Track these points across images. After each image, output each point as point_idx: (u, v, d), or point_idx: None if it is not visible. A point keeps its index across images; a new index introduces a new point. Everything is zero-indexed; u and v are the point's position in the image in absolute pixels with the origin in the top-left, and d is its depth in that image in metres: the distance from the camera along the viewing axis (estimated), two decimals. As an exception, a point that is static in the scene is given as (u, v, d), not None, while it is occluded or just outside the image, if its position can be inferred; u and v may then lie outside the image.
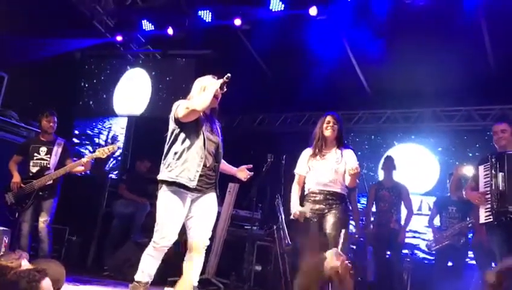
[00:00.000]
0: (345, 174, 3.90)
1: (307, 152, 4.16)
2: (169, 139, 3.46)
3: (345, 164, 3.93)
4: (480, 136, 7.17)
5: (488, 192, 3.85)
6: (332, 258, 1.45)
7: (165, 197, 3.36)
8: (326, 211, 3.87)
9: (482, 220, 3.89)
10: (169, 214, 3.34)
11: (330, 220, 3.84)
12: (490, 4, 5.88)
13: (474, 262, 5.60)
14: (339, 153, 4.00)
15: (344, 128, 8.78)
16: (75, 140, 8.42)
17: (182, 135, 3.40)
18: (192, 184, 3.33)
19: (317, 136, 4.09)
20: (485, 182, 3.90)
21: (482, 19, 6.17)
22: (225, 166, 3.78)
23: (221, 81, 3.38)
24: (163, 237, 3.31)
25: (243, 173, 3.80)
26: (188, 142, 3.37)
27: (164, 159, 3.45)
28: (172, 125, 3.46)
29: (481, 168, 3.98)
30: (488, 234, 3.95)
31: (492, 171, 3.85)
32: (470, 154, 7.14)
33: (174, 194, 3.33)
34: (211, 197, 3.49)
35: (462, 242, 5.47)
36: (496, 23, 6.18)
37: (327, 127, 4.04)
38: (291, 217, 4.02)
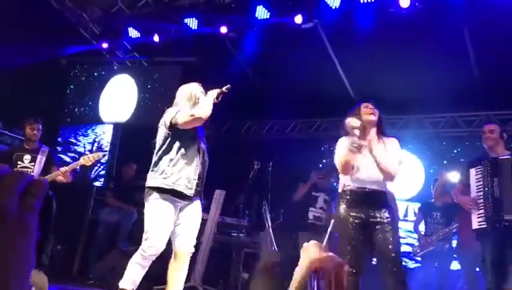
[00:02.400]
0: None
1: (345, 142, 3.51)
2: (162, 145, 3.42)
3: None
4: (463, 142, 7.27)
5: (481, 197, 3.81)
6: (314, 250, 1.42)
7: (156, 205, 3.33)
8: (373, 218, 3.29)
9: (474, 225, 3.85)
10: (160, 223, 3.31)
11: (381, 231, 3.26)
12: (473, 13, 5.98)
13: (459, 267, 5.65)
14: (381, 143, 3.43)
15: (331, 135, 8.86)
16: (60, 148, 8.34)
17: (178, 142, 3.37)
18: (190, 192, 3.34)
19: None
20: (477, 186, 3.86)
21: (464, 27, 6.27)
22: None
23: (218, 90, 3.41)
24: (151, 245, 3.28)
25: None
26: (183, 149, 3.37)
27: (156, 166, 3.41)
28: (165, 131, 3.42)
29: (472, 171, 3.93)
30: (479, 239, 3.92)
31: (486, 176, 3.82)
32: (445, 161, 7.23)
33: (166, 202, 3.31)
34: (197, 205, 3.50)
35: (446, 247, 5.52)
36: (478, 31, 6.28)
37: (367, 111, 3.43)
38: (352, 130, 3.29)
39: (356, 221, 3.29)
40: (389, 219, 3.28)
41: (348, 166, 3.31)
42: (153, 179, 3.38)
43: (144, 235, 3.34)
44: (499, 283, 3.70)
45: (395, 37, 6.35)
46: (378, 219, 3.27)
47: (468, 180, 3.97)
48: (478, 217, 3.81)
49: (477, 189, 3.86)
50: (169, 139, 3.40)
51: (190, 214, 3.44)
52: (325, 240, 1.56)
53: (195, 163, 3.37)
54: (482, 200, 3.81)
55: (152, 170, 3.42)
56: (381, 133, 3.50)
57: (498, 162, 3.83)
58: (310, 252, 1.37)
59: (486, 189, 3.80)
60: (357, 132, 3.25)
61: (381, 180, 3.33)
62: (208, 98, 3.39)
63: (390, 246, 3.21)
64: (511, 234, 3.68)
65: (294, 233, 5.94)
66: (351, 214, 3.31)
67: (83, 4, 7.84)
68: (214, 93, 3.40)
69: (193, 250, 3.47)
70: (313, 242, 1.36)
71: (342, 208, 3.35)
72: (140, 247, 3.33)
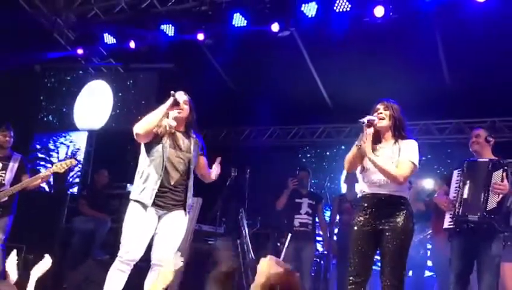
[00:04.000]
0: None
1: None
2: (139, 157, 3.55)
3: None
4: (435, 149, 7.40)
5: (455, 198, 3.88)
6: (271, 265, 1.42)
7: (130, 213, 3.42)
8: (383, 220, 3.14)
9: (445, 225, 3.91)
10: (133, 229, 3.37)
11: (388, 230, 3.11)
12: (445, 23, 6.12)
13: (433, 272, 5.73)
14: (397, 147, 3.22)
15: (308, 141, 8.92)
16: (34, 155, 8.19)
17: (144, 154, 3.48)
18: (150, 202, 3.36)
19: None
20: (455, 187, 3.93)
21: (437, 36, 6.42)
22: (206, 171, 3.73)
23: (169, 102, 3.41)
24: (127, 251, 3.34)
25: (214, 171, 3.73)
26: (148, 160, 3.45)
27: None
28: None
29: (455, 173, 3.98)
30: (449, 239, 3.97)
31: (462, 177, 3.88)
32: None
33: (138, 210, 3.38)
34: (178, 215, 3.48)
35: (421, 253, 5.60)
36: (450, 41, 6.44)
37: (376, 115, 3.29)
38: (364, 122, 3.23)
39: (366, 228, 3.17)
40: (402, 226, 3.08)
41: (349, 163, 3.29)
42: (131, 191, 3.52)
43: (121, 242, 3.39)
44: (463, 286, 3.75)
45: (370, 46, 6.45)
46: (389, 226, 3.11)
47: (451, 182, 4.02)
48: (449, 217, 3.87)
49: (455, 190, 3.92)
50: (141, 150, 3.52)
51: (168, 224, 3.45)
52: (283, 254, 1.56)
53: (158, 174, 3.39)
54: (455, 201, 3.87)
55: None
56: (400, 136, 3.26)
57: (475, 164, 3.90)
58: (266, 267, 1.38)
59: (459, 189, 3.86)
60: (369, 130, 3.19)
61: (391, 184, 3.13)
62: (152, 113, 3.41)
63: (388, 258, 3.08)
64: (478, 237, 3.70)
65: (280, 241, 6.07)
66: (361, 220, 3.20)
67: (58, 9, 7.74)
68: (163, 106, 3.41)
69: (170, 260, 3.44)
70: (269, 257, 1.36)
71: (356, 214, 3.26)
72: (118, 253, 3.38)
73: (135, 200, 3.41)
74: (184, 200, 3.49)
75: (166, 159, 3.41)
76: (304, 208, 5.78)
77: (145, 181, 3.40)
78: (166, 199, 3.41)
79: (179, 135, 3.54)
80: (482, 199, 3.72)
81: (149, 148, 3.45)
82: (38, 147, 8.34)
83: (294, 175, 6.04)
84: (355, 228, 3.23)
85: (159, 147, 3.43)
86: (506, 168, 3.74)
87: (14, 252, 2.70)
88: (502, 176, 3.71)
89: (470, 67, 6.54)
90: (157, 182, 3.38)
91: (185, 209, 3.50)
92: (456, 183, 3.93)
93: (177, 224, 3.47)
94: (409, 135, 3.30)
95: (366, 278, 3.17)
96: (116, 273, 3.34)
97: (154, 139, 3.44)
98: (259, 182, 6.15)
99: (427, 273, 5.84)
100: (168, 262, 3.35)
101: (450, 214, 3.87)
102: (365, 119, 3.23)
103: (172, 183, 3.43)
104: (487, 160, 3.88)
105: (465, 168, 3.89)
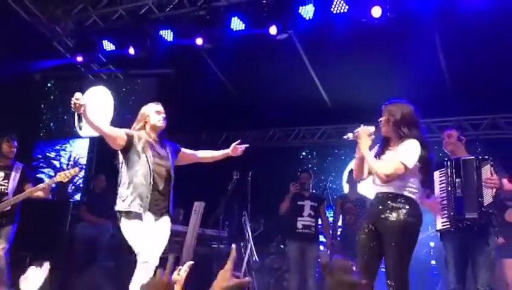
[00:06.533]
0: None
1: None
2: (120, 168, 3.65)
3: None
4: (433, 147, 7.38)
5: (444, 198, 3.84)
6: (225, 277, 1.44)
7: (128, 226, 3.51)
8: (382, 215, 3.11)
9: (438, 227, 3.87)
10: (140, 237, 3.46)
11: (388, 229, 3.07)
12: (443, 22, 6.13)
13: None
14: (395, 148, 3.21)
15: (309, 142, 8.90)
16: (36, 163, 8.21)
17: (128, 163, 3.57)
18: (143, 209, 3.48)
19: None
20: (441, 187, 3.88)
21: (436, 35, 6.43)
22: (211, 154, 4.19)
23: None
24: (150, 255, 3.43)
25: (235, 150, 4.17)
26: (133, 170, 3.54)
27: (118, 188, 3.62)
28: (120, 154, 3.65)
29: (436, 173, 3.93)
30: (442, 240, 3.93)
31: (449, 177, 3.85)
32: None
33: (134, 219, 3.48)
34: (165, 220, 3.66)
35: (424, 252, 5.61)
36: (449, 39, 6.44)
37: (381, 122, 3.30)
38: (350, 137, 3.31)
39: (368, 228, 3.17)
40: (401, 225, 3.03)
41: (356, 172, 3.40)
42: (117, 203, 3.58)
43: (136, 253, 3.46)
44: (463, 285, 3.72)
45: (368, 46, 6.46)
46: (386, 225, 3.07)
47: (433, 184, 3.92)
48: (442, 218, 3.82)
49: (441, 190, 3.88)
50: (123, 161, 3.62)
51: (157, 229, 3.60)
52: (244, 266, 1.57)
53: (147, 181, 3.50)
54: (445, 201, 3.83)
55: (118, 193, 3.62)
56: (403, 135, 3.19)
57: (461, 162, 3.86)
58: (220, 279, 1.40)
59: (449, 189, 3.82)
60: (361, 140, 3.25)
61: (391, 184, 3.10)
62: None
63: (389, 257, 3.06)
64: (473, 234, 3.69)
65: (282, 243, 6.23)
66: (365, 220, 3.22)
67: (57, 17, 7.77)
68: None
69: (157, 262, 3.52)
70: (226, 269, 1.39)
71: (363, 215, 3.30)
72: (138, 262, 3.43)
73: (127, 211, 3.48)
74: (168, 205, 3.67)
75: (153, 168, 3.52)
76: (307, 210, 5.80)
77: (134, 191, 3.49)
78: (155, 205, 3.56)
79: (157, 145, 3.68)
80: (477, 196, 3.71)
81: (131, 158, 3.55)
82: (40, 155, 8.35)
83: (295, 177, 6.05)
84: (361, 229, 3.26)
85: (143, 157, 3.54)
86: (492, 162, 3.75)
87: (46, 264, 2.73)
88: (490, 170, 3.72)
89: (469, 64, 6.54)
90: (148, 190, 3.50)
91: (169, 214, 3.67)
92: (441, 183, 3.89)
93: (165, 229, 3.66)
94: (414, 132, 3.21)
95: (372, 279, 3.15)
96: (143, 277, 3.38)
97: (134, 150, 3.54)
98: (261, 185, 6.15)
99: (431, 271, 5.84)
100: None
101: (443, 215, 3.81)
102: (350, 135, 3.32)
103: (159, 190, 3.57)
104: (473, 157, 3.87)
105: (450, 167, 3.86)
